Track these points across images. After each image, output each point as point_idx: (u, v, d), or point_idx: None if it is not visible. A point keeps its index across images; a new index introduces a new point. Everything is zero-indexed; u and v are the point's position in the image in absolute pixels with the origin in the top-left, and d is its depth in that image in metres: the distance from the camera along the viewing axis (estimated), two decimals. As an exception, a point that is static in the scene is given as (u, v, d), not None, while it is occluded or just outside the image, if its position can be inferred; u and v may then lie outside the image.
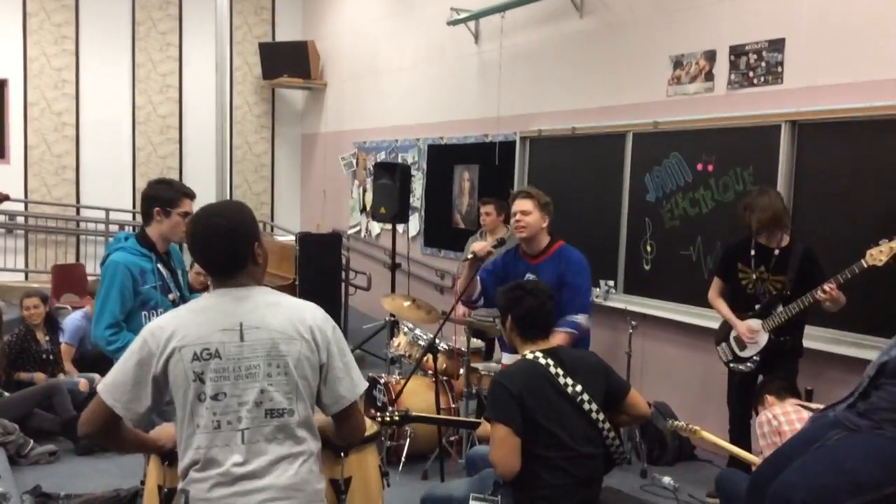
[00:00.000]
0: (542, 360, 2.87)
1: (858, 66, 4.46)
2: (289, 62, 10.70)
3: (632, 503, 3.19)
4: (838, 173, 4.52)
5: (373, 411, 2.92)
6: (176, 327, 2.10)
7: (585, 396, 2.84)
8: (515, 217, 4.08)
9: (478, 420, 3.41)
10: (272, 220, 11.45)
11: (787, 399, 3.64)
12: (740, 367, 4.33)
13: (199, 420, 2.08)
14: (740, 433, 4.32)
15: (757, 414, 3.72)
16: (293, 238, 7.57)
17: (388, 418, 3.06)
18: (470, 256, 4.05)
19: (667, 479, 4.63)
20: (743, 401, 4.34)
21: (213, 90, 8.55)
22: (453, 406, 4.90)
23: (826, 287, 3.91)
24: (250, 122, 11.39)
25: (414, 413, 3.28)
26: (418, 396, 4.85)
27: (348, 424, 2.29)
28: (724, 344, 4.44)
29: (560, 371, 2.84)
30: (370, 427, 2.68)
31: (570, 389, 2.83)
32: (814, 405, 3.48)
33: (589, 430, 2.85)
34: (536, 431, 2.76)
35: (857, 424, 2.70)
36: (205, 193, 8.67)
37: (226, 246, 2.15)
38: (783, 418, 3.35)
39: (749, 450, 3.90)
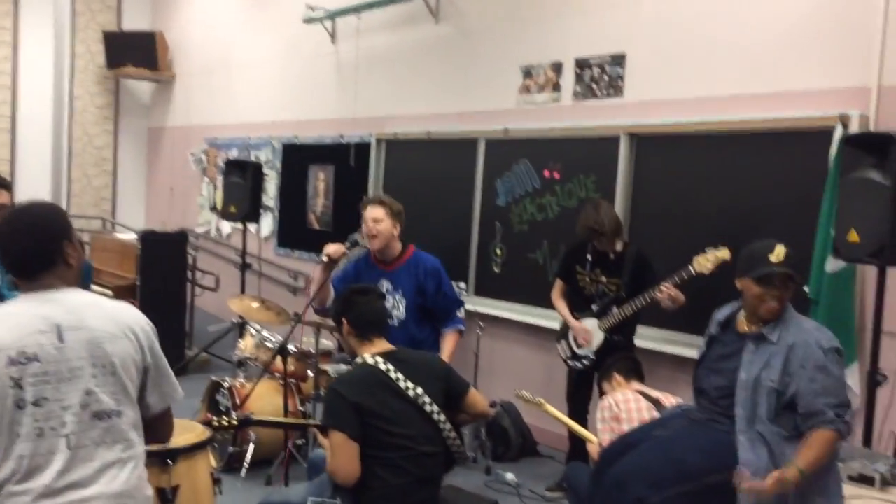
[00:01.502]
0: (382, 366, 2.87)
1: (691, 82, 4.75)
2: (135, 52, 10.20)
3: (472, 500, 3.24)
4: (672, 183, 4.79)
5: (209, 416, 2.81)
6: None
7: (426, 399, 2.86)
8: (367, 224, 4.10)
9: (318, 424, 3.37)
10: (114, 216, 10.87)
11: (632, 381, 3.79)
12: (577, 364, 4.52)
13: (20, 428, 1.92)
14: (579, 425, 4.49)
15: (602, 391, 3.86)
16: (135, 236, 7.21)
17: (224, 423, 2.96)
18: (325, 259, 4.01)
19: (509, 476, 4.78)
20: (580, 397, 4.54)
21: (50, 78, 8.03)
22: (301, 409, 4.81)
23: (663, 287, 4.10)
24: (91, 114, 10.75)
25: (255, 417, 3.19)
26: (265, 400, 4.72)
27: (166, 424, 2.23)
28: (563, 342, 4.62)
29: (400, 375, 2.85)
30: (201, 433, 2.58)
31: (410, 392, 2.84)
32: (654, 393, 3.65)
33: (429, 429, 2.88)
34: (375, 434, 2.76)
35: (697, 417, 2.91)
36: (40, 186, 8.13)
37: (30, 244, 2.03)
38: (623, 406, 3.50)
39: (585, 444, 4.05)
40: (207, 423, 2.85)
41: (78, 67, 10.46)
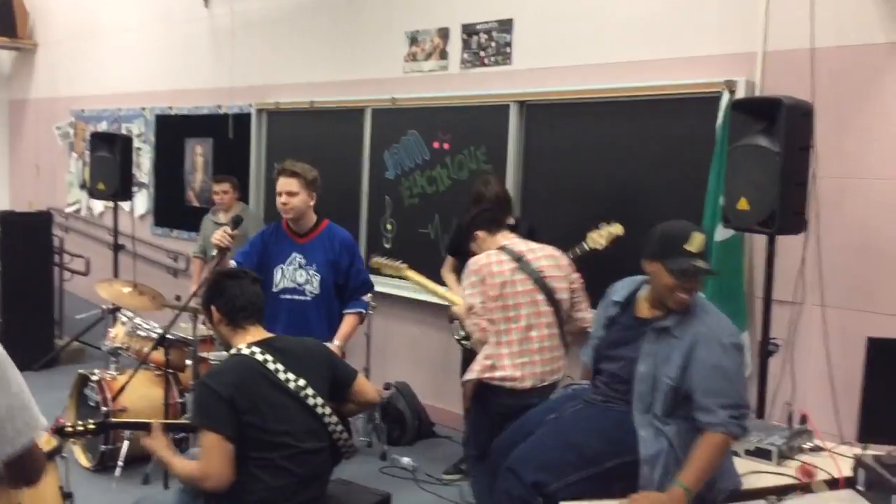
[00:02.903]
0: (259, 356, 2.61)
1: (580, 49, 4.64)
2: (-10, 17, 9.34)
3: (362, 493, 3.04)
4: (562, 152, 4.69)
5: (60, 421, 2.49)
6: None
7: (309, 391, 2.63)
8: (280, 198, 3.79)
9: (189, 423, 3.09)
10: (-27, 197, 10.01)
11: (495, 233, 3.66)
12: (469, 344, 4.36)
13: None
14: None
15: (470, 251, 3.72)
16: (-7, 218, 6.60)
17: (79, 428, 2.64)
18: (215, 253, 3.73)
19: (406, 460, 4.63)
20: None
21: None
22: (179, 401, 4.49)
23: None
24: (-58, 85, 9.83)
25: (114, 420, 2.88)
26: (138, 393, 4.39)
27: (25, 470, 1.80)
28: (456, 321, 4.45)
29: (279, 366, 2.61)
30: (47, 442, 2.27)
31: (291, 385, 2.60)
32: (519, 246, 3.54)
33: (313, 424, 2.65)
34: (252, 433, 2.51)
35: (593, 399, 2.77)
36: None
37: None
38: (486, 269, 3.46)
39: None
40: (59, 430, 2.54)
41: (-76, 34, 9.50)
